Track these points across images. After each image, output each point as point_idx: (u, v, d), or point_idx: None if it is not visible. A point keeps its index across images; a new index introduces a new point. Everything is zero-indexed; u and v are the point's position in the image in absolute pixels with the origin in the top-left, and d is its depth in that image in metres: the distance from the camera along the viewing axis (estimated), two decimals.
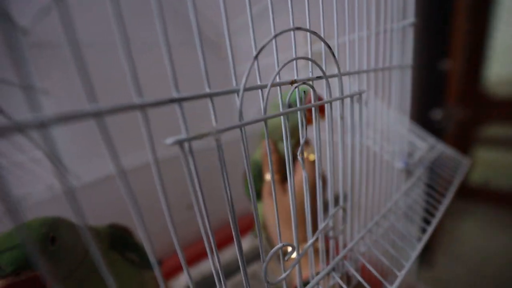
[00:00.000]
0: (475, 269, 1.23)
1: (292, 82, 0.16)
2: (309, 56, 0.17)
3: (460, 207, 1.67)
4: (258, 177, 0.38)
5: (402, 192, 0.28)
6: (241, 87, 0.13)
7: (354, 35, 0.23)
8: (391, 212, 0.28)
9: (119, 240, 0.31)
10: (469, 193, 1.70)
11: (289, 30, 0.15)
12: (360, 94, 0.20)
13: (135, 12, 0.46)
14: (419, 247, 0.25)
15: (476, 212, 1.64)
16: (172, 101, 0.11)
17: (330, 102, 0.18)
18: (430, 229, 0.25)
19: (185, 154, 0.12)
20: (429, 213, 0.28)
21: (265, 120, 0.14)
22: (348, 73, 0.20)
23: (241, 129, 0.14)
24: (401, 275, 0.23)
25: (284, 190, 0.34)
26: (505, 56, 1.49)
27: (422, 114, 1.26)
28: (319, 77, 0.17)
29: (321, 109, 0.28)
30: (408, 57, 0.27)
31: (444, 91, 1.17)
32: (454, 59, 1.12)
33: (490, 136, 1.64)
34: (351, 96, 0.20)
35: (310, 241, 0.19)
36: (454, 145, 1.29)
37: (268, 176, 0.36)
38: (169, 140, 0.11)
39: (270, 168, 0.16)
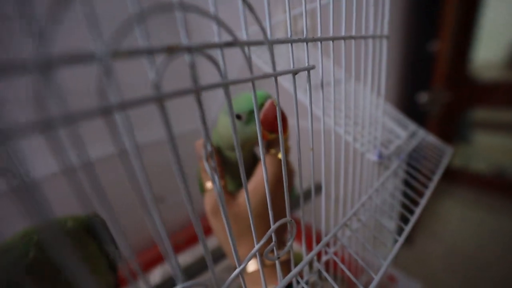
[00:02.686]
0: (452, 248, 1.27)
1: (168, 50, 0.09)
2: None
3: (441, 188, 1.71)
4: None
5: (373, 189, 0.24)
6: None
7: None
8: (357, 214, 0.24)
9: (101, 231, 0.27)
10: (449, 175, 1.74)
11: None
12: (308, 69, 0.15)
13: None
14: (392, 254, 0.22)
15: (455, 193, 1.69)
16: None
17: (252, 80, 0.12)
18: (403, 235, 0.22)
19: None
20: (408, 209, 0.24)
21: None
22: (289, 41, 0.13)
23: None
24: (377, 277, 0.20)
25: (233, 199, 0.26)
26: (492, 40, 1.47)
27: (409, 97, 1.24)
28: (228, 44, 0.10)
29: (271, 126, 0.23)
30: (385, 27, 0.22)
31: (431, 73, 1.14)
32: (442, 40, 1.07)
33: (475, 119, 1.66)
34: (295, 72, 0.14)
35: (240, 267, 0.14)
36: (438, 128, 1.29)
37: (209, 185, 0.26)
38: None
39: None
